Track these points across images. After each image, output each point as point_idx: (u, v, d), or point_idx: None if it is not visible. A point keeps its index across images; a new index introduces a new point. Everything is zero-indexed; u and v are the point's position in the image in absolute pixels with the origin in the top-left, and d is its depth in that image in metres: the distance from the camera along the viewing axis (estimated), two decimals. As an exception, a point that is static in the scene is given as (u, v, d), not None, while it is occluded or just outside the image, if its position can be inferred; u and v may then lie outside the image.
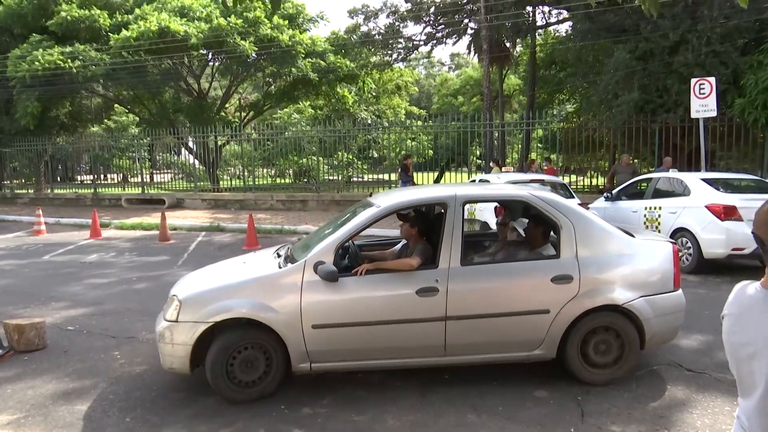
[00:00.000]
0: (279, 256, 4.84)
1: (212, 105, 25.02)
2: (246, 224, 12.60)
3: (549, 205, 4.56)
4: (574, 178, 22.50)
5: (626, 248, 4.55)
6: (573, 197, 10.54)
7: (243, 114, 27.90)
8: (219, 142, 22.20)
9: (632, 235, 4.74)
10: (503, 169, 15.92)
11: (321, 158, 19.63)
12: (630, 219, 9.51)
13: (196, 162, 22.56)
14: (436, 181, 24.50)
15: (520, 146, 22.31)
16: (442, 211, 4.55)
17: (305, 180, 22.28)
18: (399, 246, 5.28)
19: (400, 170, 15.43)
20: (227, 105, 28.22)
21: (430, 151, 21.73)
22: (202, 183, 21.82)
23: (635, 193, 10.22)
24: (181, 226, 14.84)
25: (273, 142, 20.89)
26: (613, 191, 10.69)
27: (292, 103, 25.86)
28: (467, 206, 4.80)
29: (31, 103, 20.16)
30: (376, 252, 5.43)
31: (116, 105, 30.14)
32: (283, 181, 24.76)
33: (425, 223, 4.89)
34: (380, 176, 22.46)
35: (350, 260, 4.87)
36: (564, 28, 28.17)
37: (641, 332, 4.47)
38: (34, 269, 9.78)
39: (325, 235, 4.69)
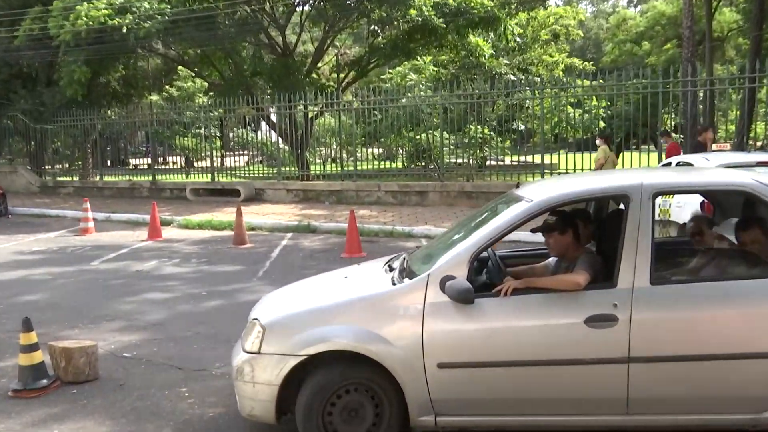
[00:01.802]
0: (392, 268, 4.93)
1: (301, 64, 25.88)
2: (345, 224, 12.86)
3: None
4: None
5: None
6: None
7: (341, 76, 28.50)
8: (310, 114, 22.87)
9: None
10: (715, 146, 15.07)
11: (446, 134, 19.64)
12: None
13: (280, 140, 23.41)
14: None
15: (737, 113, 20.97)
16: (622, 207, 4.42)
17: (423, 164, 22.39)
18: (554, 258, 5.19)
19: None
20: (320, 64, 29.00)
21: (601, 123, 20.99)
22: (287, 168, 22.56)
23: None
24: (260, 225, 15.50)
25: (381, 113, 21.17)
26: None
27: (406, 59, 26.08)
28: (658, 201, 4.58)
29: (78, 68, 21.88)
30: (525, 266, 5.38)
31: (180, 67, 32.01)
32: (393, 165, 25.03)
33: (587, 224, 4.77)
34: (528, 158, 22.09)
35: (490, 276, 4.84)
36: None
37: None
38: (81, 279, 10.62)
39: (454, 241, 4.67)
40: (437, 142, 19.89)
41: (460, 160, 20.83)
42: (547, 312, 4.24)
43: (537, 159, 19.32)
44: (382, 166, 23.79)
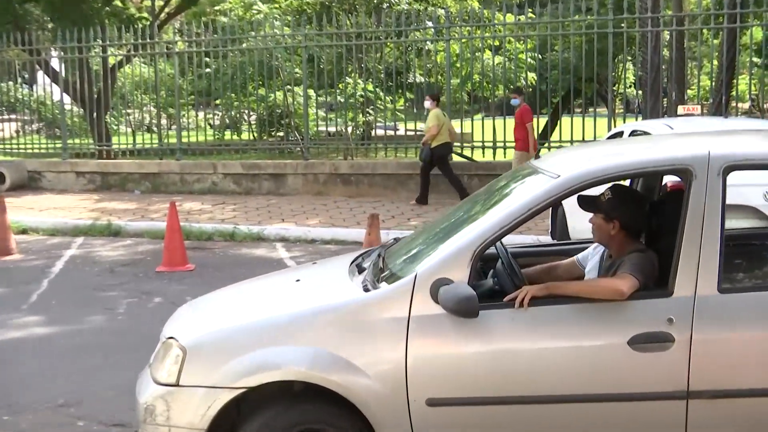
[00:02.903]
0: (362, 269, 5.04)
1: (97, -13, 25.37)
2: (163, 222, 12.63)
3: None
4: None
5: None
6: None
7: (158, 4, 28.15)
8: (111, 60, 22.46)
9: None
10: (682, 108, 15.64)
11: (312, 91, 19.62)
12: None
13: (67, 99, 22.89)
14: (543, 133, 24.33)
15: (714, 63, 21.90)
16: (685, 186, 4.47)
17: (280, 135, 22.37)
18: (587, 254, 5.32)
19: None
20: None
21: (531, 76, 21.49)
22: (77, 141, 22.06)
23: None
24: (36, 225, 15.11)
25: (217, 60, 21.02)
26: None
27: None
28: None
29: None
30: (543, 265, 5.48)
31: None
32: (237, 137, 24.88)
33: (641, 210, 4.87)
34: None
35: (499, 279, 4.83)
36: None
37: None
38: None
39: (449, 232, 4.85)
40: (300, 104, 19.90)
41: (333, 129, 20.92)
42: (578, 329, 4.35)
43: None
44: (219, 138, 23.67)
